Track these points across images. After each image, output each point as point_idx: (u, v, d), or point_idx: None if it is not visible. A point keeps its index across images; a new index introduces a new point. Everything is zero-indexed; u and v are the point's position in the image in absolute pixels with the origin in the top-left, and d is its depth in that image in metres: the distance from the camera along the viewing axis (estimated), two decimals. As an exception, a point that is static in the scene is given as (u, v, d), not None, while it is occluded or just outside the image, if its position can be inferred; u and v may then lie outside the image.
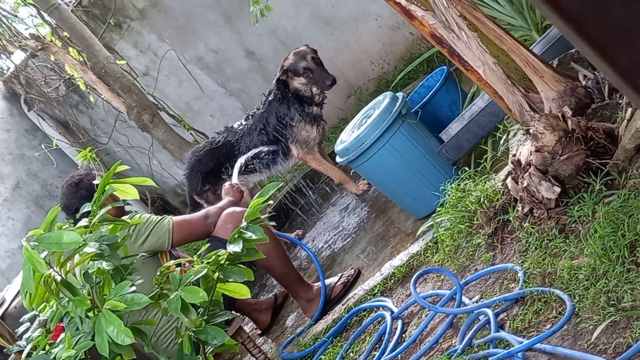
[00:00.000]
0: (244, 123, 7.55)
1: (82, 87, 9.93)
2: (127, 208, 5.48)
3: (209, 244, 5.53)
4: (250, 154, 7.27)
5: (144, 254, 5.26)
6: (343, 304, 5.58)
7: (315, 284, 6.07)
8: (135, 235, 5.23)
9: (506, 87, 4.50)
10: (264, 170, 7.53)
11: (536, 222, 4.23)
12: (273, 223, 4.77)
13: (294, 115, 7.29)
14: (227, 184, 6.27)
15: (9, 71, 11.30)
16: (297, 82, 7.24)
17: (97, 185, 5.67)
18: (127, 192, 3.78)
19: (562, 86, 4.52)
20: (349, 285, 5.97)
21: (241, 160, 7.10)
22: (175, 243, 5.43)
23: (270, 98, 7.40)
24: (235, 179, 6.63)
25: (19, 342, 4.59)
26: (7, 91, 11.47)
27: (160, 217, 5.43)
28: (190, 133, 9.80)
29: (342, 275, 6.07)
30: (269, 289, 7.20)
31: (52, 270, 3.43)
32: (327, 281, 6.06)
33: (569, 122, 4.18)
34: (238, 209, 5.78)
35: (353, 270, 6.11)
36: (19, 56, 10.94)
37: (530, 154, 4.27)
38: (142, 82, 10.05)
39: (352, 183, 7.33)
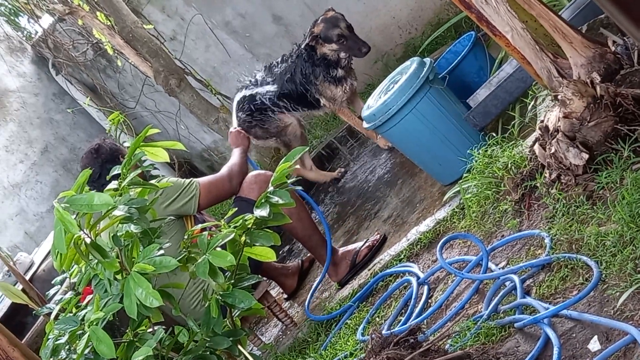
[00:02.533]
0: (262, 75, 7.58)
1: (110, 52, 9.95)
2: (154, 172, 5.51)
3: (235, 205, 5.59)
4: (240, 96, 7.33)
5: (171, 217, 5.30)
6: (369, 269, 5.60)
7: (341, 248, 6.10)
8: (163, 198, 5.27)
9: (534, 52, 4.47)
10: (295, 111, 7.62)
11: (563, 188, 4.22)
12: (300, 187, 4.78)
13: (318, 75, 7.30)
14: (232, 130, 6.29)
15: (37, 35, 11.33)
16: (327, 49, 7.23)
17: (118, 151, 5.72)
18: (157, 154, 3.80)
19: (591, 52, 4.49)
20: (375, 250, 5.99)
21: (235, 102, 7.14)
22: (202, 207, 5.48)
23: (294, 57, 7.40)
24: (235, 122, 6.66)
25: (48, 305, 4.64)
26: (35, 55, 11.51)
27: (188, 181, 5.47)
28: (217, 98, 9.79)
29: (367, 240, 6.09)
30: (296, 254, 7.23)
31: (82, 232, 3.46)
32: (352, 246, 6.11)
33: (598, 88, 4.16)
34: (262, 171, 5.93)
35: (379, 235, 6.12)
36: (47, 20, 10.96)
37: (558, 120, 4.25)
38: (169, 46, 10.05)
39: (380, 137, 7.35)
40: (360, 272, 5.74)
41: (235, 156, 5.97)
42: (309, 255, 6.61)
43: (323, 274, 5.93)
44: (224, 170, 5.80)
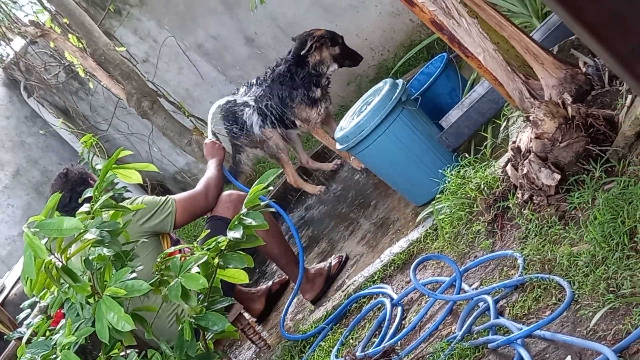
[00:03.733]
0: (252, 88, 7.63)
1: (82, 74, 9.91)
2: (127, 195, 5.49)
3: (209, 224, 5.59)
4: (218, 104, 7.35)
5: (145, 235, 5.27)
6: (343, 291, 5.59)
7: (312, 267, 6.14)
8: (139, 216, 5.25)
9: (506, 74, 4.50)
10: (275, 128, 7.65)
11: (536, 209, 4.23)
12: (272, 209, 4.77)
13: (295, 97, 7.32)
14: (207, 142, 6.29)
15: (9, 58, 11.28)
16: (329, 53, 7.31)
17: (87, 174, 5.71)
18: (129, 176, 3.79)
19: (562, 73, 4.52)
20: (343, 264, 6.16)
21: (210, 113, 7.16)
22: (178, 224, 5.47)
23: (272, 77, 7.43)
24: (210, 134, 6.67)
25: (19, 329, 4.60)
26: (6, 78, 11.46)
27: (164, 199, 5.45)
28: (190, 120, 9.77)
29: (332, 257, 6.29)
30: (269, 276, 7.21)
31: (52, 256, 3.44)
32: (322, 264, 6.22)
33: (569, 109, 4.18)
34: (235, 192, 5.93)
35: (342, 254, 6.28)
36: (18, 43, 10.91)
37: (530, 141, 4.27)
38: (141, 68, 10.03)
39: (353, 159, 7.40)
40: (334, 294, 5.73)
41: (210, 169, 5.96)
42: (280, 278, 6.65)
43: (296, 288, 5.96)
44: (200, 185, 5.78)
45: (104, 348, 3.70)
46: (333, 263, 6.15)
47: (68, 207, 5.38)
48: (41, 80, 10.95)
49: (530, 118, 4.26)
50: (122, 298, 3.43)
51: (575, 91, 4.47)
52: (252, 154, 7.93)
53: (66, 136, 11.29)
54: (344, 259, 6.21)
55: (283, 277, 6.75)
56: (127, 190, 5.01)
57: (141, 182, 3.87)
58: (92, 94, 11.07)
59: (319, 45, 7.25)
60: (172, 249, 3.97)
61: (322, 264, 6.19)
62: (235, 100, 7.68)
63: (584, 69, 4.63)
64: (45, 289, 3.71)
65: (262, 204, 3.89)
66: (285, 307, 5.99)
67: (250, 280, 5.14)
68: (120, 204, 5.24)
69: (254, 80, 7.68)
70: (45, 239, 3.40)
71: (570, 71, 4.54)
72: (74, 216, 3.56)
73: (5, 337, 5.23)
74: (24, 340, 4.07)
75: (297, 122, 7.49)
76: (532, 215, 4.22)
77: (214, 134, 6.75)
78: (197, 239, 4.38)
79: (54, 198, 3.56)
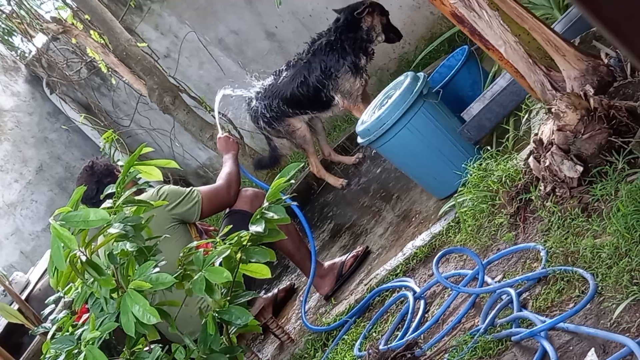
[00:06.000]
0: (284, 73, 7.63)
1: (104, 70, 9.95)
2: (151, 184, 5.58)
3: (229, 219, 5.66)
4: (220, 95, 7.36)
5: (174, 222, 5.35)
6: (365, 284, 5.59)
7: (326, 262, 6.16)
8: (168, 202, 5.32)
9: (528, 66, 4.48)
10: (304, 115, 7.70)
11: (558, 201, 4.22)
12: (295, 203, 4.79)
13: (341, 67, 7.31)
14: (221, 136, 6.31)
15: (31, 54, 11.34)
16: (379, 21, 7.35)
17: (113, 166, 5.77)
18: (151, 173, 3.80)
19: (584, 65, 4.50)
20: (360, 260, 6.15)
21: (216, 107, 7.18)
22: (204, 215, 5.54)
23: (314, 48, 7.43)
24: (219, 129, 6.69)
25: (44, 324, 4.63)
26: (29, 74, 11.52)
27: (189, 190, 5.53)
28: (212, 115, 9.80)
29: (351, 251, 6.26)
30: (292, 270, 7.22)
31: (77, 250, 3.46)
32: (337, 259, 6.25)
33: (591, 100, 4.17)
34: (250, 188, 6.10)
35: (361, 247, 6.27)
36: (40, 39, 10.97)
37: (552, 133, 4.26)
38: (163, 64, 10.06)
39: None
40: (356, 287, 5.74)
41: (228, 164, 6.00)
42: (284, 286, 6.77)
43: (310, 282, 5.96)
44: (222, 180, 5.83)
45: (128, 342, 3.72)
46: (349, 259, 6.15)
47: (95, 199, 5.44)
48: (63, 76, 10.99)
49: (552, 110, 4.25)
50: (147, 291, 3.45)
51: (597, 83, 4.45)
52: (279, 143, 7.96)
53: (88, 132, 11.34)
54: (362, 253, 6.20)
55: (288, 284, 6.88)
56: (150, 186, 5.06)
57: (162, 179, 3.88)
58: (114, 90, 11.11)
59: (371, 11, 7.28)
60: (196, 243, 3.98)
61: (336, 260, 6.21)
62: (255, 92, 7.73)
63: (606, 61, 4.61)
64: (71, 283, 3.74)
65: (283, 199, 3.90)
66: (303, 301, 5.99)
67: (273, 275, 5.16)
68: (145, 194, 5.32)
69: (283, 67, 7.69)
70: (70, 233, 3.42)
71: (592, 63, 4.52)
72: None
73: (30, 332, 5.26)
74: (49, 336, 4.10)
75: (336, 98, 7.45)
76: (555, 207, 4.21)
77: (222, 127, 6.78)
78: (219, 234, 4.40)
79: (79, 191, 3.58)
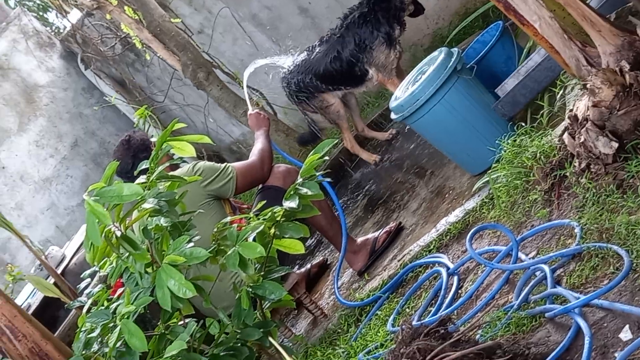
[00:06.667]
0: (317, 49, 7.64)
1: (138, 46, 9.98)
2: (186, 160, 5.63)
3: (262, 194, 5.68)
4: (250, 70, 7.36)
5: (209, 198, 5.39)
6: (399, 260, 5.59)
7: (358, 238, 6.16)
8: (203, 178, 5.36)
9: (563, 41, 4.45)
10: (337, 90, 7.73)
11: (593, 177, 4.20)
12: (328, 179, 4.79)
13: (375, 39, 7.31)
14: (252, 113, 6.32)
15: (66, 30, 11.40)
16: None
17: (149, 141, 5.81)
18: (184, 149, 3.81)
19: (620, 40, 4.45)
20: (393, 236, 6.15)
21: (244, 83, 7.18)
22: (238, 191, 5.58)
23: (348, 22, 7.43)
24: (249, 105, 6.71)
25: (79, 298, 4.67)
26: (64, 50, 11.59)
27: (223, 166, 5.56)
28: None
29: (383, 228, 6.27)
30: (325, 245, 7.24)
31: (112, 225, 3.48)
32: (370, 235, 6.25)
33: (627, 76, 4.13)
34: (283, 164, 6.10)
35: (395, 223, 6.27)
36: (75, 15, 11.02)
37: (588, 109, 4.23)
38: (196, 40, 10.08)
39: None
40: (389, 263, 5.74)
41: (260, 140, 6.03)
42: (319, 260, 6.84)
43: (340, 259, 5.99)
44: (256, 156, 5.85)
45: (163, 317, 3.75)
46: (382, 234, 6.16)
47: (130, 173, 5.50)
48: (98, 52, 11.05)
49: (588, 86, 4.22)
50: (181, 266, 3.47)
51: (633, 58, 4.40)
52: (314, 118, 7.97)
53: (123, 107, 11.40)
54: (394, 229, 6.20)
55: (320, 259, 6.92)
56: (184, 161, 5.08)
57: (194, 155, 3.89)
58: (148, 66, 11.15)
59: None
60: (230, 218, 3.99)
61: (369, 235, 6.22)
62: (290, 65, 7.74)
63: (642, 36, 4.56)
64: (106, 258, 3.76)
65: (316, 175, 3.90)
66: (335, 276, 6.00)
67: (306, 251, 5.17)
68: (180, 169, 5.35)
69: (317, 42, 7.69)
70: (105, 208, 3.43)
71: (628, 38, 4.47)
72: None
73: (66, 306, 5.31)
74: (84, 310, 4.13)
75: (370, 71, 7.45)
76: (590, 183, 4.19)
77: (252, 101, 6.79)
78: (252, 210, 4.42)
79: (112, 166, 3.59)
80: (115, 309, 3.74)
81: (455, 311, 4.49)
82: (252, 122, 6.28)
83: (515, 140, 5.07)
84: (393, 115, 5.96)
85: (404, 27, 7.42)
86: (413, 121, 5.83)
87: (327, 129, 8.43)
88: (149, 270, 3.62)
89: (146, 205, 3.59)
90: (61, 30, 11.59)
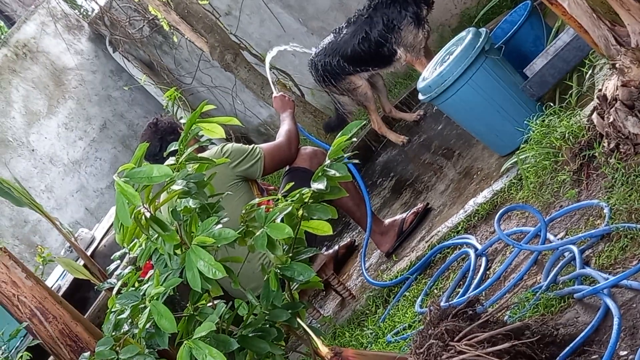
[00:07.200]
0: (344, 30, 7.64)
1: (166, 28, 10.01)
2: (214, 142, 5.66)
3: (290, 176, 5.71)
4: (272, 55, 7.33)
5: (237, 179, 5.42)
6: (427, 241, 5.60)
7: (386, 219, 6.16)
8: (231, 160, 5.39)
9: (591, 20, 4.42)
10: (365, 72, 7.73)
11: (622, 157, 4.18)
12: (356, 161, 4.78)
13: (403, 18, 7.29)
14: (276, 95, 6.34)
15: (94, 13, 11.44)
16: None
17: (176, 123, 5.84)
18: (213, 131, 3.83)
19: (650, 19, 4.43)
20: (420, 217, 6.16)
21: (267, 66, 7.18)
22: (266, 172, 5.63)
23: (375, 2, 7.42)
24: (273, 89, 6.73)
25: (109, 280, 4.70)
26: (92, 33, 11.63)
27: (251, 147, 5.60)
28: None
29: (411, 209, 6.29)
30: (353, 227, 7.25)
31: (141, 207, 3.50)
32: (398, 216, 6.25)
33: (657, 56, 4.11)
34: (309, 146, 6.13)
35: (422, 204, 6.29)
36: (103, -3, 11.07)
37: (617, 89, 4.21)
38: (224, 21, 10.08)
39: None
40: (417, 244, 5.74)
41: (286, 122, 6.06)
42: (347, 242, 6.87)
43: (366, 240, 6.02)
44: (283, 137, 5.88)
45: (192, 298, 3.77)
46: (409, 215, 6.16)
47: (158, 155, 5.54)
48: (126, 34, 11.09)
49: (617, 65, 4.19)
50: (210, 247, 3.48)
51: (663, 37, 4.38)
52: (341, 100, 7.97)
53: (151, 90, 11.44)
54: (422, 210, 6.21)
55: (348, 241, 6.93)
56: (212, 143, 5.10)
57: (224, 136, 3.90)
58: (175, 48, 11.17)
59: None
60: (258, 200, 4.00)
61: (397, 217, 6.22)
62: (319, 49, 7.76)
63: (672, 15, 4.53)
64: (135, 239, 3.78)
65: (345, 156, 3.90)
66: (362, 257, 6.01)
67: (334, 232, 5.17)
68: (209, 151, 5.38)
69: (344, 24, 7.69)
70: (134, 189, 3.45)
71: (658, 17, 4.44)
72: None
73: (96, 287, 5.35)
74: (114, 291, 4.16)
75: (399, 52, 7.43)
76: (619, 164, 4.17)
77: (276, 83, 6.80)
78: (280, 191, 4.43)
79: (142, 147, 3.61)
80: (145, 290, 3.76)
81: (484, 292, 4.49)
82: (277, 104, 6.31)
83: (543, 121, 5.05)
84: (421, 96, 5.95)
85: (432, 6, 7.39)
86: (441, 102, 5.82)
87: (354, 113, 8.43)
88: (178, 251, 3.64)
89: (175, 187, 3.61)
90: (89, 13, 11.63)
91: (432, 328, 3.59)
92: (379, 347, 4.92)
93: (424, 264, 5.36)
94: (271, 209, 3.77)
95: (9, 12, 12.88)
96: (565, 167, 4.68)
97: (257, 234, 3.65)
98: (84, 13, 11.70)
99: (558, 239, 4.31)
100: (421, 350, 3.53)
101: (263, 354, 3.71)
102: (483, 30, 5.82)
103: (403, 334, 4.74)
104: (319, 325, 5.76)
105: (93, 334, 4.85)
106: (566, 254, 4.09)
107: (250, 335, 3.74)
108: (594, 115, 4.44)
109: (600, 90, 4.40)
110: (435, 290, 5.01)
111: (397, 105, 8.40)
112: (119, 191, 3.32)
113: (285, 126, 6.01)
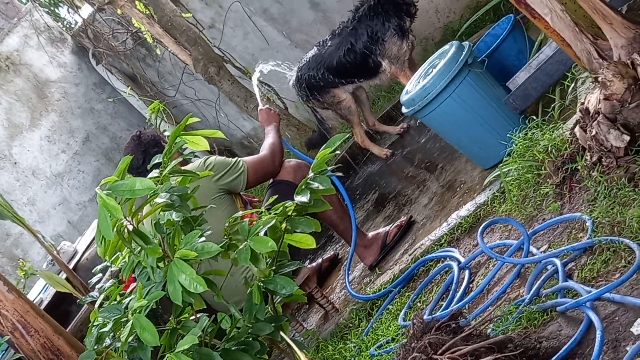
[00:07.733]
0: (328, 42, 7.65)
1: (149, 41, 10.01)
2: (197, 155, 5.64)
3: (273, 189, 5.70)
4: (260, 70, 7.32)
5: (220, 192, 5.40)
6: (410, 254, 5.60)
7: (369, 232, 6.17)
8: (214, 173, 5.37)
9: (574, 34, 4.44)
10: (350, 84, 7.75)
11: (605, 170, 4.19)
12: (340, 174, 4.77)
13: (387, 30, 7.31)
14: (262, 108, 6.35)
15: (77, 25, 11.43)
16: None
17: (159, 136, 5.84)
18: (198, 143, 3.83)
19: (632, 33, 4.44)
20: (404, 230, 6.15)
21: (255, 79, 7.18)
22: (249, 185, 5.60)
23: (359, 14, 7.43)
24: (259, 101, 6.74)
25: (91, 293, 4.69)
26: (75, 45, 11.61)
27: (234, 159, 5.58)
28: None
29: (394, 222, 6.27)
30: (337, 240, 7.25)
31: (124, 220, 3.49)
32: (381, 229, 6.24)
33: (639, 69, 4.13)
34: (293, 159, 6.10)
35: (406, 217, 6.27)
36: (86, 10, 11.05)
37: (599, 102, 4.22)
38: (207, 34, 10.09)
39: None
40: (401, 257, 5.74)
41: (270, 135, 6.05)
42: (330, 255, 6.85)
43: (351, 253, 6.01)
44: (266, 150, 5.87)
45: (175, 311, 3.76)
46: (393, 228, 6.16)
47: (141, 168, 5.52)
48: (109, 47, 11.08)
49: (599, 79, 4.21)
50: (193, 260, 3.48)
51: (645, 51, 4.40)
52: (324, 115, 7.98)
53: (134, 102, 11.43)
54: (405, 223, 6.21)
55: (332, 254, 6.93)
56: (196, 156, 5.09)
57: (208, 148, 3.91)
58: (159, 61, 11.17)
59: None
60: (241, 213, 4.00)
61: (380, 230, 6.21)
62: (297, 65, 7.77)
63: (654, 29, 4.55)
64: (118, 253, 3.78)
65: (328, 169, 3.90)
66: (346, 270, 6.01)
67: (317, 245, 5.18)
68: (192, 164, 5.37)
69: (328, 37, 7.70)
70: (117, 202, 3.44)
71: (639, 31, 4.46)
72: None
73: (78, 301, 5.33)
74: (96, 305, 4.15)
75: (384, 64, 7.45)
76: (601, 177, 4.18)
77: (262, 96, 6.80)
78: (264, 204, 4.42)
79: (125, 160, 3.60)
80: (128, 303, 3.75)
81: (467, 305, 4.49)
82: (262, 117, 6.31)
83: (526, 134, 5.06)
84: (404, 109, 5.96)
85: (414, 18, 7.42)
86: (424, 115, 5.83)
87: (336, 128, 8.43)
88: (161, 264, 3.63)
89: (158, 200, 3.61)
90: (72, 26, 11.61)
91: (416, 341, 3.59)
92: (362, 361, 4.92)
93: (407, 277, 5.36)
94: (255, 222, 3.76)
95: (-9, 25, 12.85)
96: (548, 180, 4.69)
97: (241, 247, 3.65)
98: (67, 26, 11.68)
99: (541, 252, 4.32)
100: (404, 364, 3.53)
101: (246, 368, 3.71)
102: (466, 43, 5.84)
103: (386, 347, 4.73)
104: (302, 339, 5.75)
105: (75, 347, 4.83)
106: (549, 267, 4.10)
107: (233, 348, 3.73)
108: (577, 129, 4.46)
109: (582, 103, 4.42)
110: (418, 303, 5.01)
111: (380, 118, 8.41)
112: (101, 204, 3.31)
113: (269, 139, 6.01)
